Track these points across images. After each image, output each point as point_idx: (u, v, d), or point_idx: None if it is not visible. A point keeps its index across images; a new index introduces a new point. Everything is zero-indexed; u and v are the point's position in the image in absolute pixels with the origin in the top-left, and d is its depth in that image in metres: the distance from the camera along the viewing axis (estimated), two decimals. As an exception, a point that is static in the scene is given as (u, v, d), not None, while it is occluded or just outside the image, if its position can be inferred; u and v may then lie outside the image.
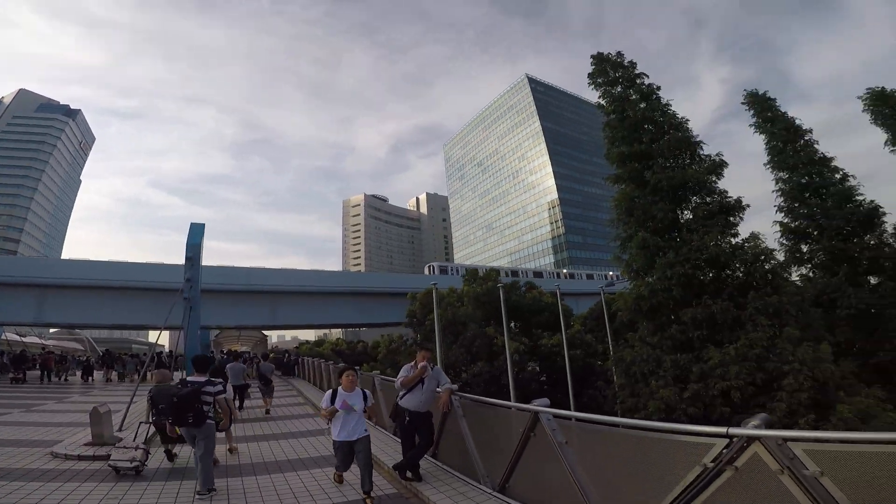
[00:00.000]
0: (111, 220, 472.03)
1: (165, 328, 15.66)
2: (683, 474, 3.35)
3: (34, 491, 5.88)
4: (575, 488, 4.33)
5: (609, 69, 20.20)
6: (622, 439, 4.16)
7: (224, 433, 7.39)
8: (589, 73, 20.53)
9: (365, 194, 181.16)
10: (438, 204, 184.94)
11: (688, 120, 18.21)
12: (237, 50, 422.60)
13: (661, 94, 19.29)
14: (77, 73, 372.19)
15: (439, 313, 21.59)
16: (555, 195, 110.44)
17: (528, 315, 29.60)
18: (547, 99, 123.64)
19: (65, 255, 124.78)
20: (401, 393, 6.37)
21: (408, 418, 6.24)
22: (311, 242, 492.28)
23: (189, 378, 6.31)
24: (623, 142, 18.18)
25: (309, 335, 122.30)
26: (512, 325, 27.58)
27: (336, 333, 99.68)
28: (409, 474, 6.05)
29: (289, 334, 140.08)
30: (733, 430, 2.99)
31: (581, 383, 24.20)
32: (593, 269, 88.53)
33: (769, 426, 2.97)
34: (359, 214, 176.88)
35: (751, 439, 2.93)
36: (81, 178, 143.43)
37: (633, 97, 19.33)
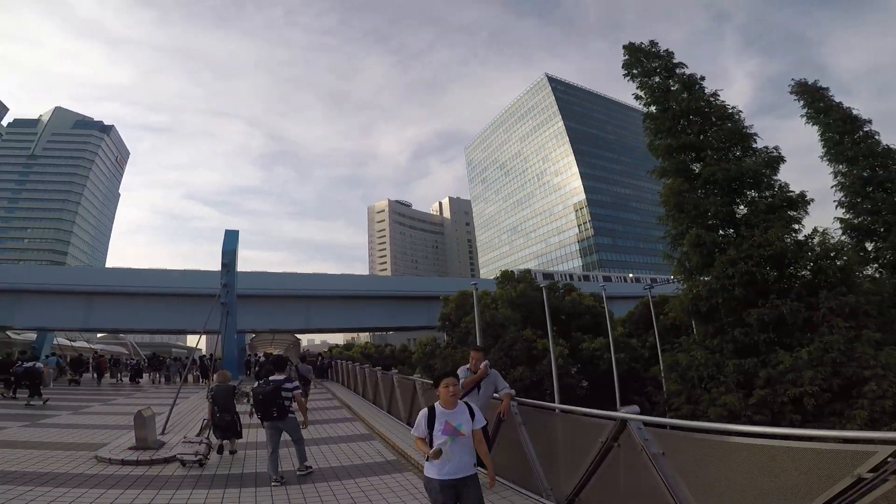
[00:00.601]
0: (151, 232, 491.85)
1: (204, 332, 15.83)
2: (826, 487, 2.72)
3: (77, 498, 5.72)
4: (672, 505, 3.74)
5: (643, 59, 19.42)
6: (738, 449, 3.49)
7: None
8: (623, 63, 19.80)
9: (389, 200, 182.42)
10: (461, 208, 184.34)
11: (740, 111, 17.18)
12: (256, 62, 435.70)
13: (704, 84, 18.38)
14: (107, 91, 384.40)
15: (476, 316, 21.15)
16: (582, 196, 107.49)
17: (566, 318, 28.75)
18: (568, 98, 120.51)
19: (109, 265, 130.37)
20: None
21: None
22: (339, 249, 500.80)
23: (270, 378, 6.94)
24: (668, 133, 17.32)
25: (338, 339, 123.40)
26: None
27: (364, 337, 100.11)
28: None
29: (318, 338, 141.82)
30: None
31: (625, 389, 23.10)
32: (625, 272, 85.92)
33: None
34: (384, 220, 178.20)
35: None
36: (120, 191, 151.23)
37: (675, 87, 18.47)
